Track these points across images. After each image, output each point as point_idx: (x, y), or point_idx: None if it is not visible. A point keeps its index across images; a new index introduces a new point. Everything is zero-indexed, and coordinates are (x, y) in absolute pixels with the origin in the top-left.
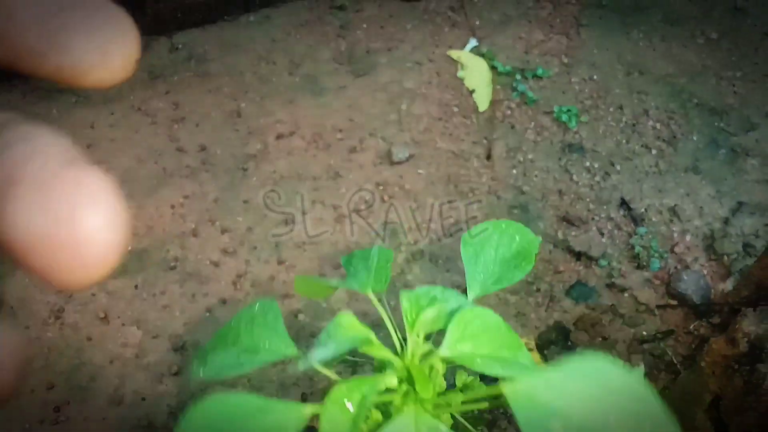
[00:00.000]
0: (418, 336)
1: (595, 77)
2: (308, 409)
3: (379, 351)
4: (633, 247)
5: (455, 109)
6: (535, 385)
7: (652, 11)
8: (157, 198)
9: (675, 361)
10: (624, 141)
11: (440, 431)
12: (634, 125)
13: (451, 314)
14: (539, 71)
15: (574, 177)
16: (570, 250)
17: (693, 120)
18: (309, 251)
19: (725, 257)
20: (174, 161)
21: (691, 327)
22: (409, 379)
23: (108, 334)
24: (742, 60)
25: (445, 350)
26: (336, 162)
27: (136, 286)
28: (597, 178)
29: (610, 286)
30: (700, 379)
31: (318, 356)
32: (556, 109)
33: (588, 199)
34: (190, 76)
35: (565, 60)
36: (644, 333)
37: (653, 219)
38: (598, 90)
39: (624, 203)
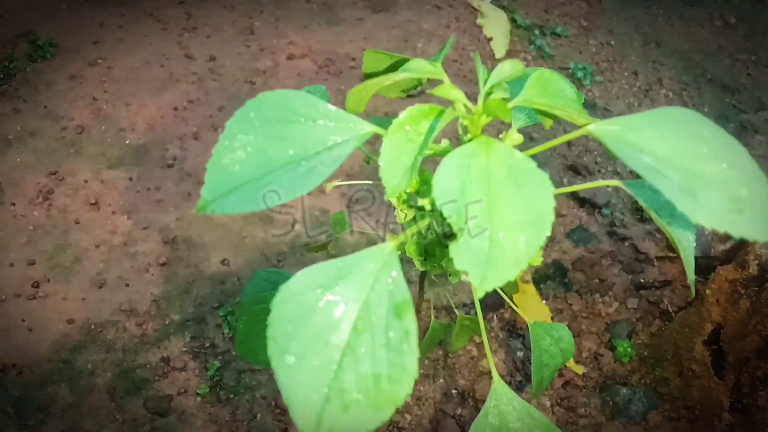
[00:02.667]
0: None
1: (612, 43)
2: (371, 128)
3: (449, 90)
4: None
5: (471, 54)
6: (622, 129)
7: None
8: (160, 99)
9: (670, 310)
10: (636, 104)
11: (515, 156)
12: (647, 91)
13: (526, 75)
14: (558, 29)
15: None
16: (575, 197)
17: (705, 94)
18: None
19: None
20: (181, 67)
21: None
22: (478, 121)
23: (97, 220)
24: (757, 45)
25: (521, 100)
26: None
27: (130, 179)
28: None
29: (612, 234)
30: (702, 310)
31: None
32: (572, 65)
33: (596, 153)
34: None
35: (584, 23)
36: (642, 280)
37: None
38: (615, 55)
39: None
